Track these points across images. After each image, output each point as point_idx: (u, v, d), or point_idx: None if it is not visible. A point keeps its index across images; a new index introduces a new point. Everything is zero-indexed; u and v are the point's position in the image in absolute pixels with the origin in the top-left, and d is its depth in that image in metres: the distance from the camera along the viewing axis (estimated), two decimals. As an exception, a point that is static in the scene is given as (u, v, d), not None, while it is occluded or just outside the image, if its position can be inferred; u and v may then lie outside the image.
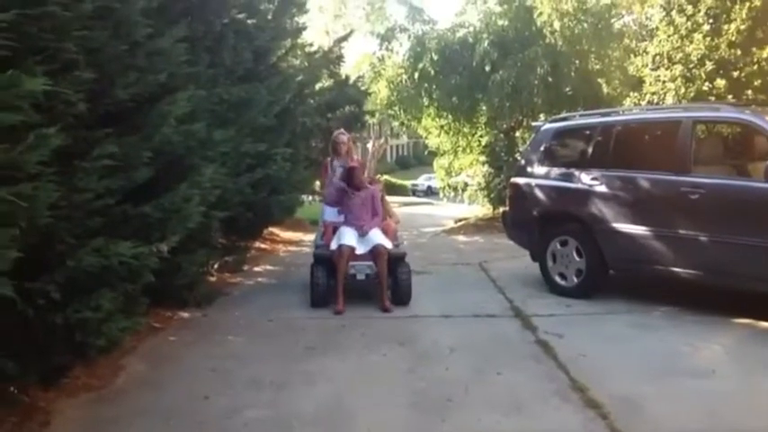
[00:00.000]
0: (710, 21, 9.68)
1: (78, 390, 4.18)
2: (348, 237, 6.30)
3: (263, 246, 10.74)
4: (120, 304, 3.77)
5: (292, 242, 12.03)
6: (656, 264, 5.97)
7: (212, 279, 7.36)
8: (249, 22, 7.56)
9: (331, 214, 6.88)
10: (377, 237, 6.30)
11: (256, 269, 8.86)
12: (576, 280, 6.58)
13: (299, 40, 12.19)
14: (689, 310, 5.83)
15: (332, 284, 6.21)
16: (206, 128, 5.16)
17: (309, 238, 12.62)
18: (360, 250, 6.25)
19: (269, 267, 9.15)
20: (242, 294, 7.19)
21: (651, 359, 4.72)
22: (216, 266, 7.58)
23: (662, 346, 5.02)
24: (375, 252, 6.22)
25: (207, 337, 5.49)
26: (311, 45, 14.02)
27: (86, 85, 3.58)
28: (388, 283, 6.27)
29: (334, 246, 6.28)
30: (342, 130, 7.88)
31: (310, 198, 14.07)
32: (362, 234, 6.33)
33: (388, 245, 6.31)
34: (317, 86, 13.28)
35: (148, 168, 4.27)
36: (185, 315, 6.12)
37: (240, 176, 6.67)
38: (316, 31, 19.92)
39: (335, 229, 6.58)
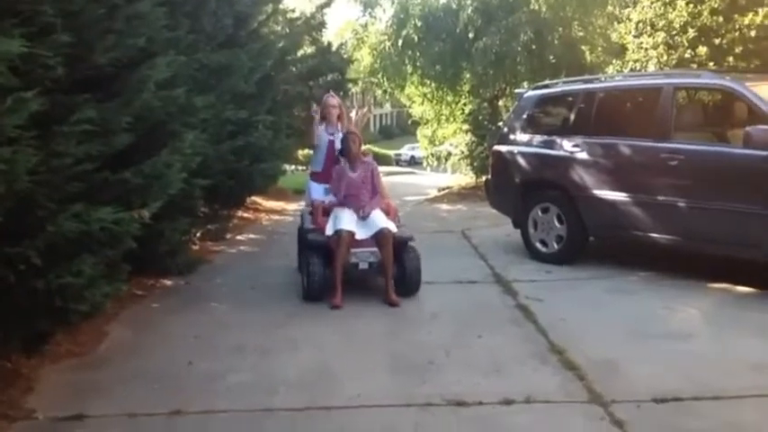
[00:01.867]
0: (694, -13, 9.65)
1: (61, 356, 4.19)
2: (347, 220, 5.39)
3: (245, 214, 10.71)
4: (102, 270, 3.76)
5: (275, 211, 12.01)
6: (635, 230, 6.04)
7: (195, 247, 7.34)
8: (230, -14, 7.43)
9: (319, 192, 6.05)
10: (380, 219, 5.44)
11: (239, 237, 8.86)
12: (556, 246, 6.65)
13: (281, 6, 12.00)
14: (667, 275, 5.93)
15: (328, 275, 5.35)
16: (186, 94, 5.09)
17: (292, 207, 12.66)
18: (361, 235, 5.37)
19: (252, 236, 9.15)
20: (225, 262, 7.19)
21: (629, 323, 4.81)
22: (198, 235, 7.56)
23: (639, 310, 5.11)
24: (379, 237, 5.37)
25: (190, 304, 5.50)
26: (293, 11, 13.81)
27: (64, 48, 3.51)
28: (393, 271, 5.44)
29: (329, 230, 5.42)
30: (331, 92, 7.08)
31: (293, 167, 14.01)
32: (363, 216, 5.44)
33: (393, 228, 5.45)
34: (299, 53, 13.13)
35: (128, 134, 4.22)
36: (168, 283, 6.12)
37: (222, 144, 6.62)
38: (297, -4, 19.60)
39: (326, 209, 5.74)
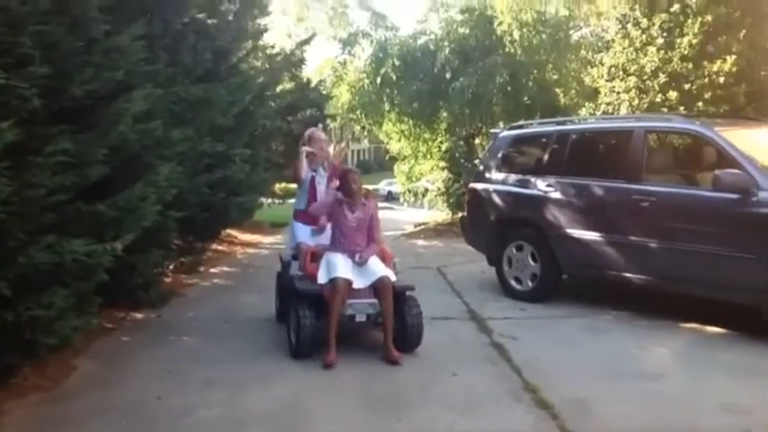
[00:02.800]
0: (664, 34, 9.95)
1: (28, 390, 4.09)
2: (342, 266, 4.85)
3: (220, 247, 10.64)
4: (73, 303, 3.71)
5: (250, 244, 11.95)
6: (608, 269, 6.11)
7: (167, 280, 7.27)
8: (210, 22, 7.52)
9: (305, 233, 5.56)
10: (378, 267, 4.92)
11: (213, 270, 8.79)
12: (530, 284, 6.69)
13: (261, 42, 12.16)
14: (639, 315, 5.98)
15: (320, 327, 4.80)
16: (163, 126, 5.11)
17: (268, 240, 12.63)
18: (358, 284, 4.84)
19: (226, 269, 9.08)
20: (198, 296, 7.12)
21: (602, 362, 4.84)
22: (171, 267, 7.49)
23: (613, 349, 5.14)
24: (378, 286, 4.82)
25: (161, 337, 5.42)
26: (273, 47, 13.97)
27: (41, 80, 3.53)
28: (392, 324, 4.90)
29: (323, 278, 4.85)
30: (319, 126, 6.60)
31: (270, 200, 13.99)
32: (360, 263, 4.94)
33: (392, 276, 4.94)
34: (279, 89, 13.25)
35: (103, 166, 4.21)
36: (139, 316, 6.04)
37: (198, 176, 6.62)
38: (278, 33, 19.83)
39: (313, 254, 5.22)
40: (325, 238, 5.40)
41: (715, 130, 5.74)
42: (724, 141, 5.55)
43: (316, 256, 5.17)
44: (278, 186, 15.02)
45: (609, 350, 5.13)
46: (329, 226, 5.38)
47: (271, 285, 6.19)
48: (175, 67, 6.21)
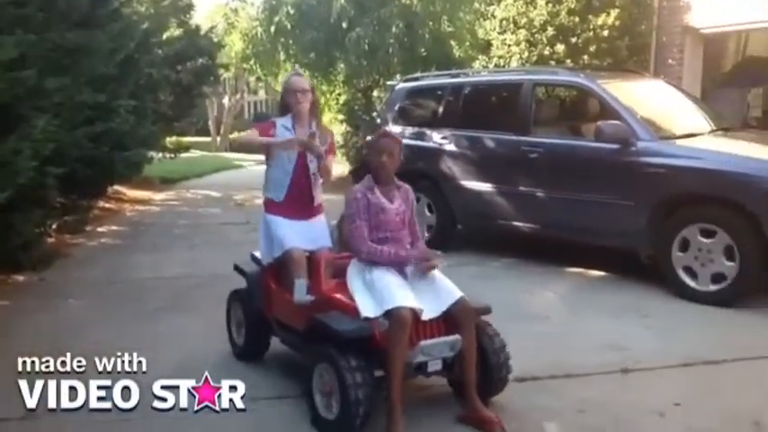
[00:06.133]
0: (553, -13, 10.18)
1: None
2: (399, 289, 3.16)
3: (107, 205, 10.15)
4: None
5: (140, 201, 11.47)
6: (499, 218, 6.33)
7: (51, 240, 6.87)
8: (86, -38, 6.96)
9: (293, 233, 3.70)
10: (445, 282, 3.32)
11: (100, 229, 8.40)
12: (427, 235, 6.82)
13: (145, -14, 11.46)
14: (527, 261, 6.25)
15: (375, 389, 3.05)
16: (37, 75, 4.73)
17: (159, 197, 12.16)
18: (429, 313, 3.16)
19: (114, 228, 8.70)
20: (84, 256, 6.80)
21: (493, 307, 4.99)
22: (54, 227, 7.07)
23: (503, 295, 5.31)
24: (458, 313, 3.19)
25: (44, 301, 5.16)
26: (159, -9, 13.22)
27: None
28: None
29: (372, 309, 3.11)
30: (297, 68, 4.10)
31: (160, 155, 13.42)
32: (420, 276, 3.33)
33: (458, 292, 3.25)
34: (166, 36, 12.60)
35: (-31, 118, 3.87)
36: (20, 278, 5.73)
37: (78, 129, 6.20)
38: (164, -23, 18.77)
39: (337, 267, 3.52)
40: (315, 234, 3.75)
41: (598, 83, 5.98)
42: (606, 93, 5.81)
43: (337, 270, 3.51)
44: (168, 140, 14.41)
45: (499, 296, 5.27)
46: (321, 216, 3.88)
47: (162, 243, 5.95)
48: (49, 11, 5.73)
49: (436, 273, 3.35)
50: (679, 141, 5.55)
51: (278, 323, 3.77)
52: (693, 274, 5.11)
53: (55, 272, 5.93)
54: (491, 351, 3.36)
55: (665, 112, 6.16)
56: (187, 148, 16.20)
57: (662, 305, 5.05)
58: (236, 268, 4.20)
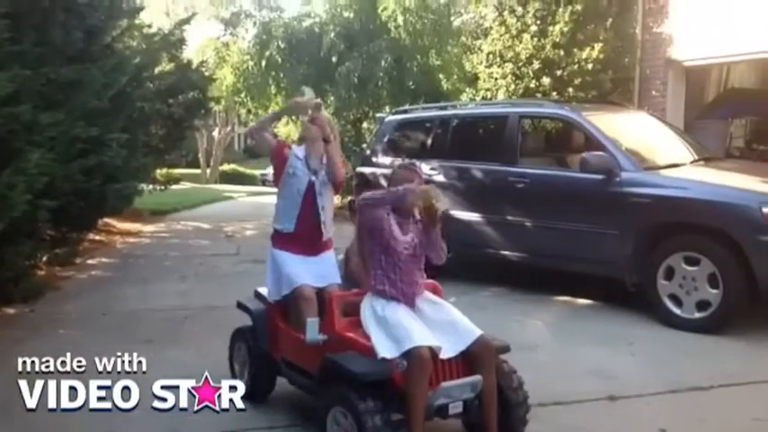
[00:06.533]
0: (538, 22, 10.40)
1: None
2: (417, 327, 3.07)
3: (97, 237, 10.14)
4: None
5: (130, 233, 11.47)
6: (488, 247, 6.41)
7: (41, 273, 6.87)
8: (80, -1, 7.10)
9: (302, 269, 3.64)
10: (461, 318, 3.22)
11: (90, 262, 8.40)
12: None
13: (137, 21, 11.59)
14: (518, 290, 6.32)
15: None
16: (32, 110, 4.80)
17: (149, 229, 12.16)
18: (448, 352, 3.05)
19: (104, 260, 8.70)
20: (74, 288, 6.81)
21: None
22: (45, 259, 7.08)
23: (494, 324, 5.33)
24: (478, 352, 3.08)
25: (35, 332, 5.16)
26: (150, 27, 13.36)
27: None
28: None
29: (389, 350, 2.98)
30: (308, 90, 4.01)
31: (150, 187, 13.46)
32: (433, 311, 3.26)
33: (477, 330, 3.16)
34: (157, 70, 12.70)
35: (-35, 152, 3.93)
36: (11, 311, 5.73)
37: (71, 162, 6.25)
38: (155, 12, 19.01)
39: (350, 303, 3.36)
40: (325, 271, 3.68)
41: (582, 115, 6.13)
42: (590, 125, 5.95)
43: (349, 308, 3.35)
44: (159, 172, 14.46)
45: (490, 324, 5.31)
46: (330, 252, 3.79)
47: (153, 275, 5.98)
48: (44, 46, 5.83)
49: (450, 307, 3.28)
50: (662, 171, 5.68)
51: (286, 363, 3.64)
52: (679, 302, 5.19)
53: (46, 304, 5.93)
54: (510, 390, 3.22)
55: (648, 143, 6.31)
56: (177, 180, 16.24)
57: (648, 333, 5.12)
58: (240, 306, 4.02)
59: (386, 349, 2.98)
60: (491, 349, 3.11)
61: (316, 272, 3.63)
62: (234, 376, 3.94)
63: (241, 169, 39.44)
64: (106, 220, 10.65)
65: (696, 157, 6.19)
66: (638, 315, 5.43)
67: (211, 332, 5.16)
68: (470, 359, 3.06)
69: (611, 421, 3.63)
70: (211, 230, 11.92)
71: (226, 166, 38.09)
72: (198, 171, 34.53)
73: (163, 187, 13.50)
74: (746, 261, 4.92)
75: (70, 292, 6.57)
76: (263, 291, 3.87)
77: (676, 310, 5.20)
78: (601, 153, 5.64)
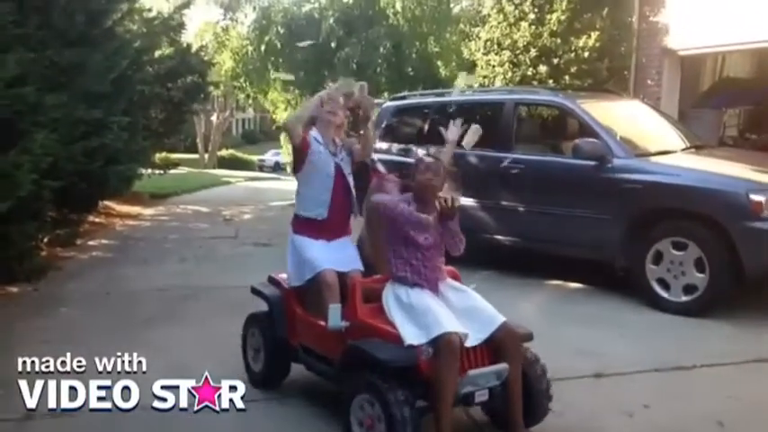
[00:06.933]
0: (535, 10, 10.48)
1: None
2: (445, 314, 3.05)
3: (97, 219, 10.26)
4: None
5: (130, 216, 11.58)
6: (483, 232, 6.52)
7: (42, 253, 7.00)
8: (82, -18, 7.17)
9: (324, 254, 3.61)
10: (484, 305, 3.21)
11: (91, 243, 8.52)
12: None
13: (137, 5, 11.65)
14: (511, 274, 6.45)
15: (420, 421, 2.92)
16: (36, 92, 4.91)
17: (149, 212, 12.27)
18: (473, 339, 3.02)
19: (105, 241, 8.83)
20: (76, 269, 6.93)
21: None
22: (46, 240, 7.21)
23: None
24: (503, 338, 3.07)
25: (38, 310, 5.29)
26: (150, 10, 13.41)
27: None
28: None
29: (416, 337, 2.96)
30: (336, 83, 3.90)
31: (150, 171, 13.57)
32: (457, 297, 3.26)
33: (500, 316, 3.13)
34: (157, 54, 12.78)
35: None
36: (14, 290, 5.84)
37: (74, 144, 6.37)
38: (155, -5, 18.98)
39: (371, 289, 3.32)
40: (346, 256, 3.65)
41: (577, 103, 6.24)
42: (584, 113, 6.06)
43: (371, 294, 3.30)
44: (158, 156, 14.56)
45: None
46: (348, 238, 3.77)
47: (153, 257, 6.08)
48: (47, 30, 5.92)
49: (473, 294, 3.27)
50: (654, 158, 5.80)
51: (304, 349, 3.60)
52: (666, 286, 5.33)
53: (49, 283, 6.06)
54: (534, 378, 3.21)
55: (640, 130, 6.42)
56: (176, 164, 16.35)
57: (636, 315, 5.27)
58: (255, 291, 3.94)
59: (413, 336, 2.95)
60: (516, 337, 3.10)
61: (337, 257, 3.59)
62: (246, 363, 3.94)
63: (239, 154, 39.53)
64: (106, 202, 10.78)
65: (688, 145, 6.31)
66: (626, 298, 5.56)
67: (211, 311, 5.31)
68: (494, 347, 3.05)
69: (596, 397, 3.78)
70: (210, 214, 12.04)
71: (224, 152, 38.17)
72: (196, 156, 34.60)
73: (162, 171, 13.62)
74: (733, 246, 5.04)
75: (72, 272, 6.69)
76: (279, 276, 3.84)
77: (664, 294, 5.34)
78: (593, 140, 5.75)
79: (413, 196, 3.25)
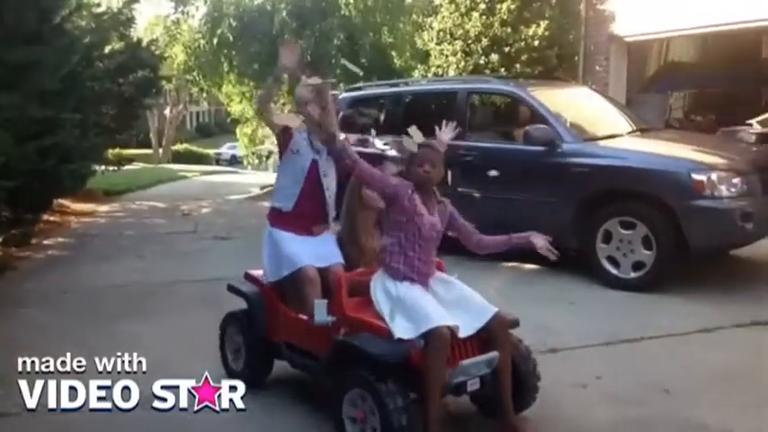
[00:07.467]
0: (486, 0, 10.68)
1: None
2: (434, 307, 3.04)
3: (52, 218, 10.10)
4: None
5: (85, 213, 11.42)
6: (439, 219, 6.68)
7: (-3, 254, 6.91)
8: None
9: (303, 249, 3.54)
10: (476, 297, 3.25)
11: (46, 242, 8.41)
12: (371, 237, 7.13)
13: (86, 0, 11.45)
14: (469, 259, 6.59)
15: (414, 423, 2.87)
16: (-13, 91, 4.85)
17: (103, 209, 12.12)
18: (465, 330, 3.02)
19: (60, 240, 8.72)
20: (33, 268, 6.86)
21: (435, 301, 5.36)
22: (0, 240, 7.10)
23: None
24: (495, 329, 3.10)
25: (-2, 310, 5.23)
26: (98, 5, 13.18)
27: None
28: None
29: (407, 331, 2.94)
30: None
31: (103, 167, 13.37)
32: (446, 289, 3.26)
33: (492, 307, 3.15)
34: (107, 49, 12.57)
35: None
36: (-31, 291, 5.75)
37: (26, 143, 6.29)
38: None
39: (358, 281, 3.29)
40: (326, 251, 3.59)
41: (527, 91, 6.43)
42: (534, 100, 6.25)
43: (358, 287, 3.25)
44: (111, 152, 14.34)
45: (441, 291, 5.67)
46: (329, 233, 3.72)
47: (110, 254, 6.03)
48: (-2, 28, 5.83)
49: (461, 285, 3.29)
50: (601, 142, 6.03)
51: (287, 346, 3.55)
52: (616, 264, 5.57)
53: (5, 283, 6.00)
54: (520, 360, 3.27)
55: (589, 116, 6.65)
56: (130, 160, 16.12)
57: (588, 293, 5.49)
58: (232, 289, 3.84)
59: (403, 330, 2.94)
60: (506, 326, 3.15)
61: (316, 252, 3.53)
62: (226, 364, 3.88)
63: (194, 148, 39.07)
64: (60, 201, 10.63)
65: (634, 129, 6.56)
66: (579, 277, 5.78)
67: (174, 307, 5.33)
68: (485, 336, 3.07)
69: (551, 370, 3.92)
70: (167, 209, 11.96)
71: (178, 146, 37.65)
72: (150, 151, 34.05)
73: (115, 168, 13.43)
74: (678, 224, 5.30)
75: (29, 272, 6.62)
76: (255, 273, 3.78)
77: (614, 271, 5.57)
78: (543, 126, 5.94)
79: (414, 189, 3.23)
